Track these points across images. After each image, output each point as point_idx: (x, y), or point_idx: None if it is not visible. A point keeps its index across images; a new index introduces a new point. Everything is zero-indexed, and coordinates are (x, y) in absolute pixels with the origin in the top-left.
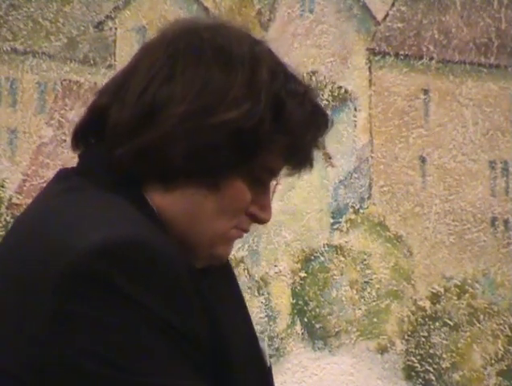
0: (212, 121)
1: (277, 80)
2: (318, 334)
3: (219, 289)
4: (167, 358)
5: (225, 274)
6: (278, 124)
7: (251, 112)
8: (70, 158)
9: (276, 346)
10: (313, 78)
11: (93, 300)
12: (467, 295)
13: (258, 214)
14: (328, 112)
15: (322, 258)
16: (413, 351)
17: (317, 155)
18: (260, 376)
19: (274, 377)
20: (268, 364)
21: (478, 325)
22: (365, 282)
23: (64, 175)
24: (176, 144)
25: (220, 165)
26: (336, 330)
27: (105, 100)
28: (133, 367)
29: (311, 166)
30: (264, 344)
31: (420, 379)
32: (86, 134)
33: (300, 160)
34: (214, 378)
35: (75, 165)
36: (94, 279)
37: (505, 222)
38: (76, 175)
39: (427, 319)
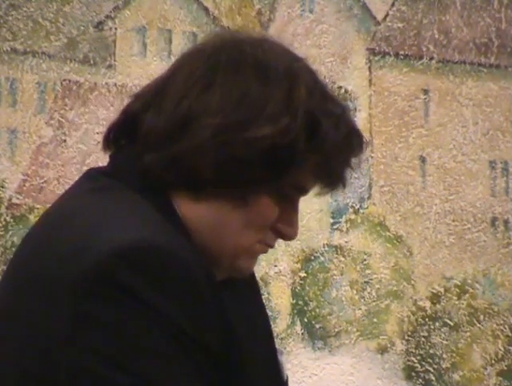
0: (247, 136)
1: (314, 99)
2: (318, 334)
3: (240, 299)
4: (178, 366)
5: (248, 286)
6: (312, 143)
7: (287, 129)
8: (70, 158)
9: (284, 360)
10: None
11: (111, 303)
12: (467, 295)
13: (284, 230)
14: None
15: (322, 258)
16: (413, 351)
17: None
18: None
19: None
20: (285, 378)
21: (478, 325)
22: (365, 282)
23: (93, 175)
24: (208, 155)
25: (251, 180)
26: (336, 330)
27: (140, 104)
28: (144, 373)
29: (344, 186)
30: (282, 357)
31: (420, 380)
32: (118, 136)
33: (331, 180)
34: None
35: (103, 165)
36: (112, 282)
37: (505, 222)
38: (105, 176)
39: (427, 319)
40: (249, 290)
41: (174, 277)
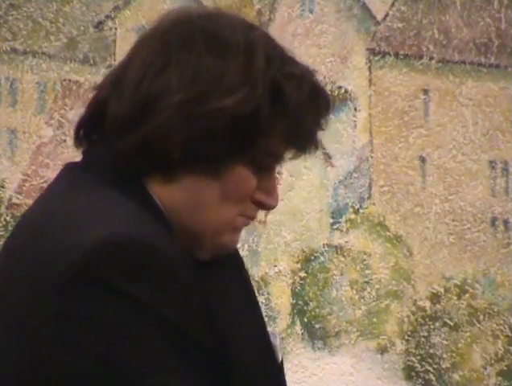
0: (208, 108)
1: (273, 65)
2: (318, 334)
3: (226, 283)
4: (168, 359)
5: (234, 268)
6: (276, 108)
7: (248, 98)
8: (70, 158)
9: (278, 343)
10: None
11: (94, 301)
12: (467, 295)
13: (264, 200)
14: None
15: (322, 258)
16: (413, 351)
17: (317, 155)
18: (270, 372)
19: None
20: (280, 360)
21: (478, 325)
22: (365, 282)
23: (70, 170)
24: (174, 133)
25: (220, 152)
26: (336, 330)
27: (104, 94)
28: (133, 368)
29: (317, 147)
30: (276, 340)
31: (420, 380)
32: (88, 131)
33: (303, 142)
34: (216, 378)
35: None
36: (94, 280)
37: (505, 222)
38: (81, 171)
39: (427, 319)
40: (234, 271)
41: (154, 269)
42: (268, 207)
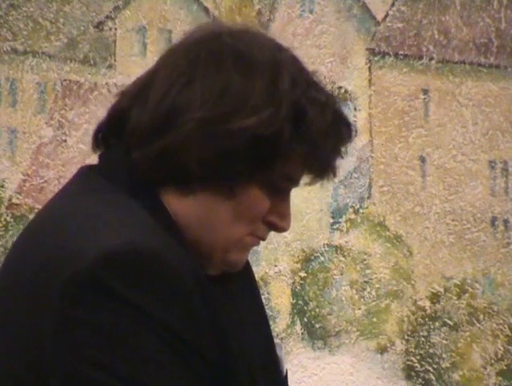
0: (230, 128)
1: (298, 88)
2: (318, 334)
3: (235, 294)
4: (170, 369)
5: (244, 280)
6: (298, 132)
7: (271, 119)
8: (70, 158)
9: (284, 354)
10: None
11: (99, 308)
12: (467, 295)
13: (276, 222)
14: None
15: (322, 258)
16: (413, 350)
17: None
18: (274, 384)
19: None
20: (284, 373)
21: (478, 325)
22: (365, 282)
23: (85, 173)
24: (193, 149)
25: (237, 172)
26: (336, 330)
27: (126, 102)
28: (135, 377)
29: (334, 175)
30: (282, 352)
31: (420, 379)
32: (106, 135)
33: (321, 169)
34: None
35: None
36: (100, 287)
37: (505, 222)
38: (97, 175)
39: (426, 319)
40: (245, 285)
41: (161, 279)
42: (280, 230)
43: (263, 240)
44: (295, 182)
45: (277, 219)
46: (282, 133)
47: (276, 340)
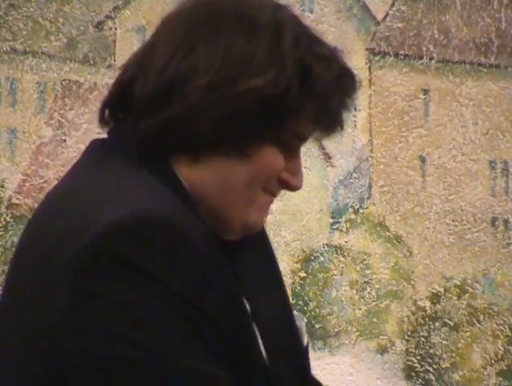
0: (237, 90)
1: (301, 45)
2: (318, 334)
3: (252, 262)
4: (186, 339)
5: (260, 248)
6: (305, 89)
7: (277, 78)
8: (70, 158)
9: (304, 325)
10: None
11: (112, 277)
12: (467, 295)
13: (289, 180)
14: None
15: (322, 258)
16: (413, 351)
17: (317, 155)
18: (293, 355)
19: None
20: (305, 343)
21: (478, 325)
22: (364, 282)
23: (96, 147)
24: (202, 115)
25: (248, 133)
26: (336, 330)
27: (130, 74)
28: (152, 345)
29: (342, 128)
30: (302, 323)
31: (420, 379)
32: (114, 110)
33: (330, 123)
34: (235, 361)
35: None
36: (112, 256)
37: (505, 222)
38: (107, 149)
39: (427, 319)
40: (260, 251)
41: (174, 247)
42: (293, 188)
43: (275, 196)
44: (305, 139)
45: (289, 176)
46: (289, 91)
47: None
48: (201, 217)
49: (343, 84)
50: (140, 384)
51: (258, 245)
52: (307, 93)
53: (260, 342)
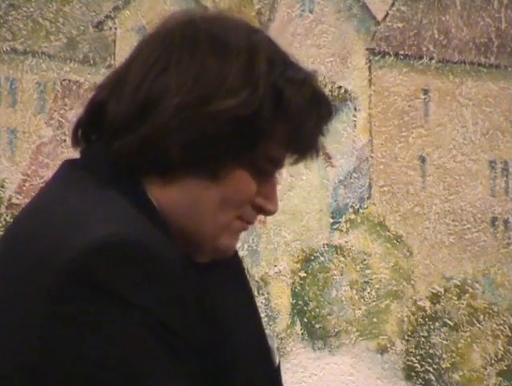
0: (209, 110)
1: (275, 68)
2: (318, 334)
3: (225, 284)
4: (161, 362)
5: (232, 269)
6: (277, 112)
7: (249, 99)
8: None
9: (276, 346)
10: None
11: (86, 302)
12: (467, 295)
13: (263, 205)
14: None
15: (322, 258)
16: (413, 351)
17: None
18: (267, 375)
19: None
20: (277, 363)
21: (478, 325)
22: (364, 282)
23: (67, 167)
24: (173, 135)
25: (219, 155)
26: (336, 330)
27: (103, 95)
28: (126, 371)
29: (318, 154)
30: (273, 342)
31: (420, 379)
32: (87, 131)
33: (303, 148)
34: (213, 381)
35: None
36: (86, 280)
37: (505, 222)
38: (79, 169)
39: (427, 319)
40: (232, 272)
41: (147, 270)
42: (267, 213)
43: (251, 223)
44: (279, 163)
45: (264, 201)
46: (261, 112)
47: (276, 340)
48: (172, 238)
49: (316, 108)
50: None
51: (228, 264)
52: (280, 116)
53: (237, 359)
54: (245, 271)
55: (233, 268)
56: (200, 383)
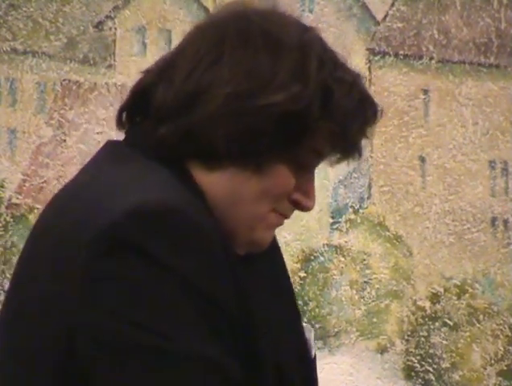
0: (258, 104)
1: (325, 68)
2: (318, 334)
3: (260, 272)
4: (195, 324)
5: (270, 260)
6: (325, 110)
7: (299, 96)
8: (70, 158)
9: (313, 338)
10: None
11: (124, 264)
12: (467, 295)
13: (301, 200)
14: None
15: (322, 258)
16: (413, 350)
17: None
18: (300, 365)
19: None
20: (313, 355)
21: (478, 325)
22: (364, 282)
23: (111, 146)
24: (220, 125)
25: (265, 148)
26: (336, 330)
27: (152, 78)
28: (159, 331)
29: (360, 155)
30: (311, 334)
31: (420, 379)
32: (131, 114)
33: (347, 149)
34: (245, 350)
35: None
36: (126, 243)
37: (505, 222)
38: (124, 146)
39: (426, 319)
40: (272, 267)
41: (187, 237)
42: (305, 208)
43: (287, 218)
44: (321, 158)
45: (302, 197)
46: (310, 110)
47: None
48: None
49: (363, 111)
50: (144, 364)
51: (268, 256)
52: (327, 115)
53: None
54: (285, 263)
55: (271, 259)
56: (234, 351)
